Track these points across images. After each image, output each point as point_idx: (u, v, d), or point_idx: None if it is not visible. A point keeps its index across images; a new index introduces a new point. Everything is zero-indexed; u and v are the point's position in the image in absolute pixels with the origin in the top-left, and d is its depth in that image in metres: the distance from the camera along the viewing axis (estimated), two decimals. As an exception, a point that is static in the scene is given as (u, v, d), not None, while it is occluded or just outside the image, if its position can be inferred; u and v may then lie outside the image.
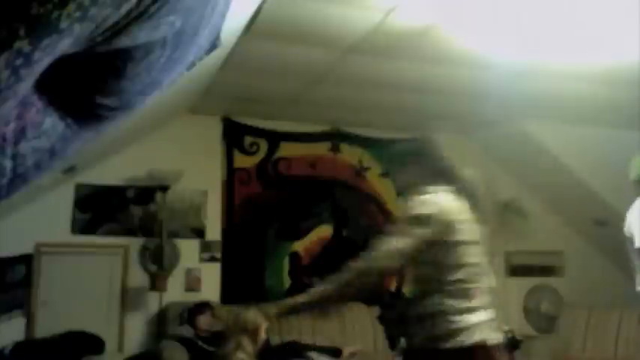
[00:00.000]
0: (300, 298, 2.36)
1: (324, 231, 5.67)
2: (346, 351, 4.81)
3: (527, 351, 5.23)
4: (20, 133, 0.88)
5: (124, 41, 0.82)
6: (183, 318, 4.68)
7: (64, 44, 0.72)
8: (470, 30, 3.47)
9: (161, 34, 0.87)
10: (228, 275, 5.32)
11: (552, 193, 6.14)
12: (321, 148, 5.80)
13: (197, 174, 5.25)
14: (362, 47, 3.76)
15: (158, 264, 4.98)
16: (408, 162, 2.50)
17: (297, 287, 5.51)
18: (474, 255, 2.24)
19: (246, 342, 3.41)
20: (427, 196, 2.27)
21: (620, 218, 5.52)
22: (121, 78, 0.91)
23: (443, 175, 2.37)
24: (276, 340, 4.63)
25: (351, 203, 5.78)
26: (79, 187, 4.99)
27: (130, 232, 5.12)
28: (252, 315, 3.68)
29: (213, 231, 5.36)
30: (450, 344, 2.11)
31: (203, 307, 4.73)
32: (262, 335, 3.65)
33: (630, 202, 3.83)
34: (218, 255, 5.33)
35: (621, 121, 5.14)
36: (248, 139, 5.59)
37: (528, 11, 3.18)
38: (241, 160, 5.54)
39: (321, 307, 2.41)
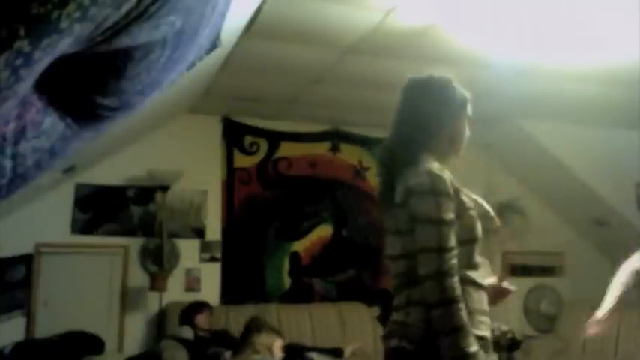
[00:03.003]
0: None
1: (324, 231, 5.67)
2: (348, 350, 4.81)
3: (527, 351, 5.24)
4: (20, 133, 0.88)
5: (124, 41, 0.82)
6: (182, 318, 4.67)
7: (64, 44, 0.72)
8: (470, 29, 3.47)
9: (161, 34, 0.87)
10: (228, 275, 5.31)
11: (552, 193, 6.13)
12: (321, 148, 5.80)
13: (197, 174, 5.25)
14: (362, 47, 3.76)
15: (158, 264, 4.98)
16: None
17: (297, 287, 5.52)
18: None
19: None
20: None
21: (620, 218, 5.53)
22: (121, 78, 0.91)
23: None
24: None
25: (350, 203, 5.77)
26: (79, 187, 4.98)
27: (130, 232, 5.12)
28: (265, 337, 3.90)
29: (213, 231, 5.35)
30: None
31: (201, 306, 4.73)
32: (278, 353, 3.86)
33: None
34: (218, 255, 5.33)
35: (621, 121, 5.14)
36: (248, 139, 5.59)
37: (528, 11, 3.18)
38: (241, 160, 5.54)
39: None
